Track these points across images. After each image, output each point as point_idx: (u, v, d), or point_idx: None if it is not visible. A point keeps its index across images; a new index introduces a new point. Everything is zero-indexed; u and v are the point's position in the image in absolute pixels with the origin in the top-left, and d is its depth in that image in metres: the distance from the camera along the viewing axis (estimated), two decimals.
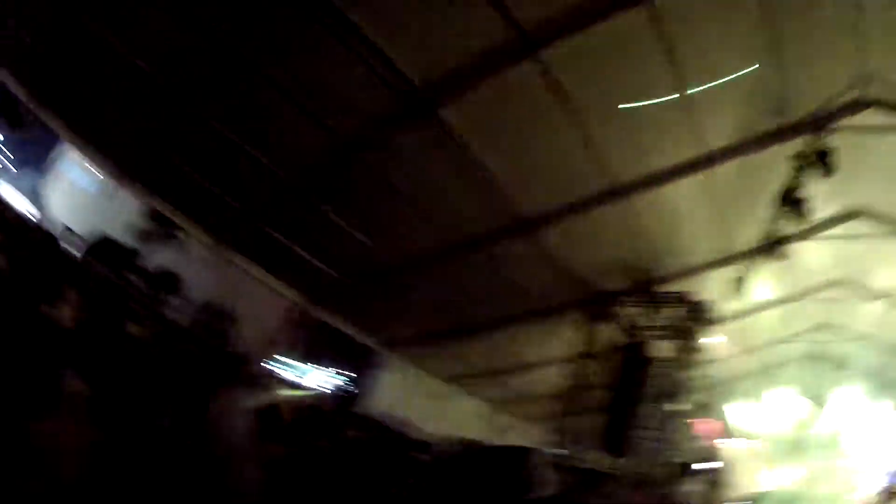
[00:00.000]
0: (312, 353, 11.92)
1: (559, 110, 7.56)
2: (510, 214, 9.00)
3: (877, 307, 12.83)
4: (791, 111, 8.35)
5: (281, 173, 8.36)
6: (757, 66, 7.35)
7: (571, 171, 8.58)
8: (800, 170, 8.53)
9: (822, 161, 8.16)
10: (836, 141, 8.10)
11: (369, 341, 11.89)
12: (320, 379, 17.15)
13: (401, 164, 8.00)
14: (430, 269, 9.73)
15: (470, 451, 7.02)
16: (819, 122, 8.32)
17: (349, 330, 11.52)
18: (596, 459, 10.26)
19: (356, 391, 11.87)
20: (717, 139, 8.46)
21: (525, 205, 8.96)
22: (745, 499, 14.53)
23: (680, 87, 7.52)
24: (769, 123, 8.44)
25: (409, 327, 11.58)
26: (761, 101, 8.18)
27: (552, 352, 12.26)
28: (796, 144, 8.46)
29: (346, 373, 16.19)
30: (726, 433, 16.03)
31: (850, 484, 14.75)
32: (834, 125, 8.26)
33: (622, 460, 10.56)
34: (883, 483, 14.17)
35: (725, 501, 13.04)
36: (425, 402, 12.47)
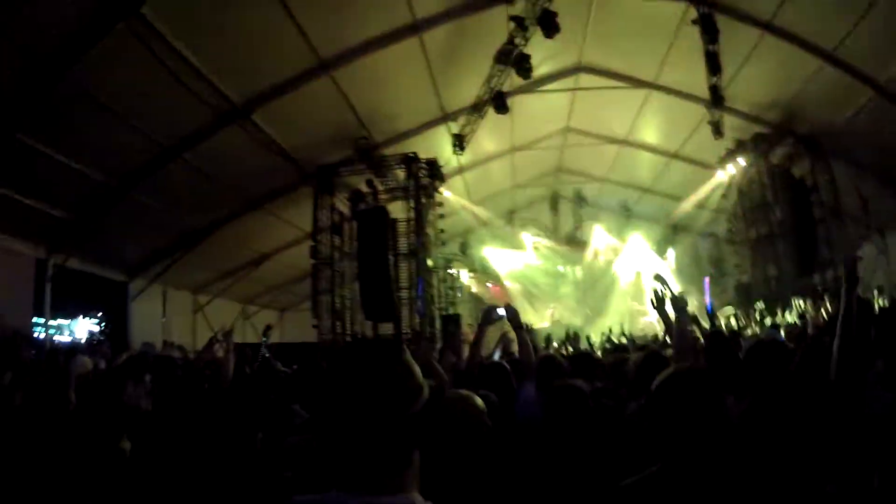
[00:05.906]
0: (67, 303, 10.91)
1: None
2: (220, 105, 8.32)
3: (609, 150, 14.03)
4: None
5: None
6: None
7: (277, 50, 8.09)
8: (521, 30, 8.67)
9: (544, 22, 8.32)
10: (558, 5, 8.41)
11: (114, 274, 10.80)
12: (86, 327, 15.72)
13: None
14: (153, 180, 8.88)
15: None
16: None
17: (93, 268, 10.29)
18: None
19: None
20: (426, 4, 8.39)
21: (235, 92, 8.36)
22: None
23: None
24: None
25: (145, 248, 10.67)
26: None
27: (288, 235, 12.11)
28: (516, 7, 8.46)
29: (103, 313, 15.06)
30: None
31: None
32: None
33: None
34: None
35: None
36: (184, 318, 12.28)
